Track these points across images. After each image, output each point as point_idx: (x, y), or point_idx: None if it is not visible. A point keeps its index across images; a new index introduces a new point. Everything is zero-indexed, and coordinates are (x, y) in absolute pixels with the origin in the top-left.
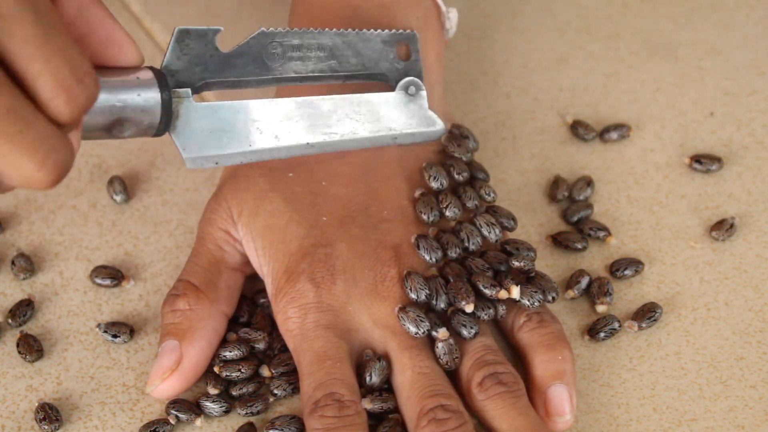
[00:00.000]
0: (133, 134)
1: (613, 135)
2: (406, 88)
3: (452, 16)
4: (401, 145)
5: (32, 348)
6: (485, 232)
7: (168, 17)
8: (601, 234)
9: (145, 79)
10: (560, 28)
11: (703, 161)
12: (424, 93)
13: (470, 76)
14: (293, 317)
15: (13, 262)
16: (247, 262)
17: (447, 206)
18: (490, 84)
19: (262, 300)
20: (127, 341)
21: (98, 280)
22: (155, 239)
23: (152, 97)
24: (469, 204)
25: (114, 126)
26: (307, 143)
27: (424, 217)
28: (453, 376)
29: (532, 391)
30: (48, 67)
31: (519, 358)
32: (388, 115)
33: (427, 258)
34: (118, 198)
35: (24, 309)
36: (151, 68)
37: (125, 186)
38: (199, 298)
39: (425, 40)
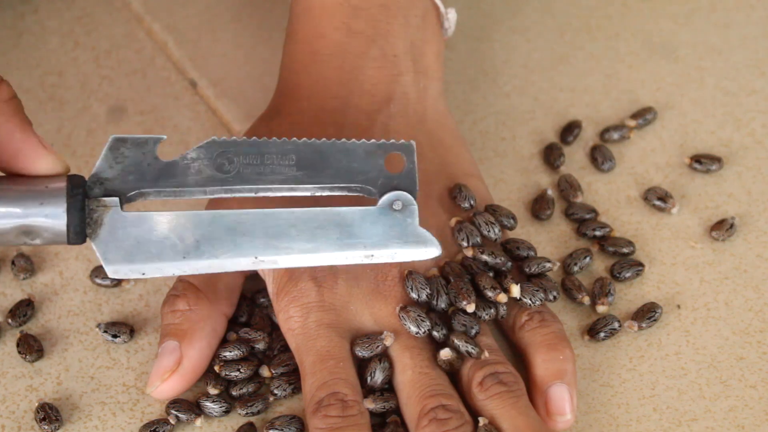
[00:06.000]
0: (45, 242)
1: (614, 135)
2: (390, 203)
3: (451, 17)
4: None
5: (32, 348)
6: (485, 231)
7: (168, 17)
8: (601, 232)
9: (53, 188)
10: (560, 28)
11: (703, 161)
12: (414, 208)
13: (470, 76)
14: (295, 316)
15: (13, 262)
16: None
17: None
18: (490, 84)
19: (262, 300)
20: (127, 341)
21: (98, 280)
22: None
23: (57, 206)
24: (465, 204)
25: (22, 234)
26: (255, 258)
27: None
28: (453, 376)
29: (532, 391)
30: None
31: (519, 358)
32: (364, 232)
33: None
34: None
35: (24, 309)
36: (72, 177)
37: None
38: (198, 299)
39: (425, 39)
